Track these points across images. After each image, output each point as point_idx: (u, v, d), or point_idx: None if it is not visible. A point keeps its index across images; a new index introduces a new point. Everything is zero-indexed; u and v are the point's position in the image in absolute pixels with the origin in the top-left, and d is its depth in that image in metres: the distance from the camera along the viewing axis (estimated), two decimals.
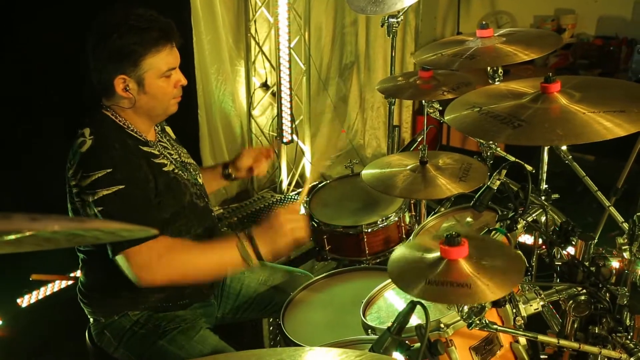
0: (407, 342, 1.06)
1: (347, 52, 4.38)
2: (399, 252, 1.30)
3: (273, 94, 3.85)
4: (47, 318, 2.99)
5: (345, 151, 4.55)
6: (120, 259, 1.66)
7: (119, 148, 1.69)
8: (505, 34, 1.93)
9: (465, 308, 1.18)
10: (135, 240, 1.63)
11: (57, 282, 3.09)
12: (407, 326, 1.16)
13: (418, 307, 1.17)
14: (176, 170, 1.86)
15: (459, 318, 1.25)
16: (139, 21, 1.68)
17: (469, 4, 4.68)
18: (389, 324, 1.10)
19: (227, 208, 3.29)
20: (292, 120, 3.79)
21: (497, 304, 1.30)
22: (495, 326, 1.23)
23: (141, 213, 1.68)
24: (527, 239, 2.86)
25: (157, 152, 1.83)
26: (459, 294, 1.10)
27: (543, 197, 2.08)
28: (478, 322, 1.19)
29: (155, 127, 1.92)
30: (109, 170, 1.64)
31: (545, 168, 2.05)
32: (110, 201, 1.63)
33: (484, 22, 1.92)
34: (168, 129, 2.06)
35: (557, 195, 2.10)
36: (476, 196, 1.65)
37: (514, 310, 1.38)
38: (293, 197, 3.16)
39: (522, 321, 1.38)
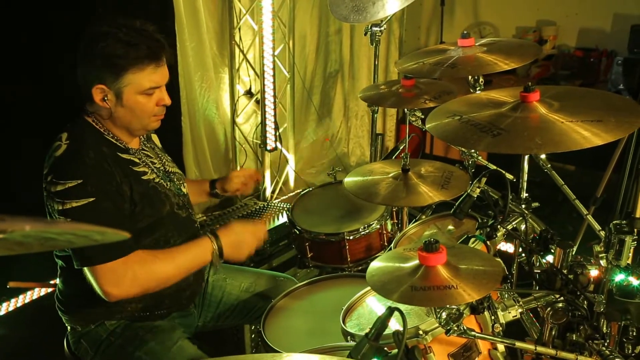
0: (385, 348, 1.06)
1: (332, 61, 4.40)
2: (377, 262, 1.31)
3: (257, 101, 3.85)
4: (25, 326, 2.95)
5: (329, 159, 4.56)
6: (89, 272, 1.65)
7: (93, 157, 1.67)
8: (486, 44, 1.95)
9: (444, 314, 1.18)
10: (107, 255, 1.62)
11: (36, 290, 3.05)
12: (386, 332, 1.16)
13: (398, 313, 1.17)
14: (157, 180, 1.84)
15: (437, 325, 1.26)
16: (129, 34, 1.66)
17: (453, 15, 4.73)
18: (367, 331, 1.10)
19: (210, 215, 3.28)
20: (276, 128, 3.79)
21: (475, 310, 1.30)
22: (473, 333, 1.24)
23: (109, 227, 1.66)
24: (508, 247, 2.88)
25: (137, 160, 1.81)
26: (438, 297, 1.10)
27: (523, 206, 2.10)
28: (456, 328, 1.19)
29: (140, 137, 1.91)
30: (79, 182, 1.62)
31: (525, 177, 2.07)
32: (79, 213, 1.61)
33: (465, 32, 1.94)
34: (154, 137, 2.05)
35: (537, 204, 2.12)
36: (456, 204, 1.66)
37: (493, 317, 1.39)
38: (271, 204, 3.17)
39: (501, 328, 1.39)
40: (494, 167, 2.41)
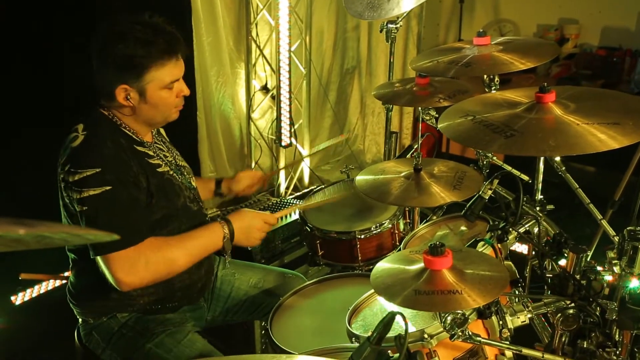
0: (388, 352, 1.05)
1: (349, 57, 4.38)
2: (382, 264, 1.29)
3: (273, 97, 3.84)
4: (41, 316, 2.99)
5: (345, 156, 4.54)
6: (102, 260, 1.66)
7: (111, 147, 1.69)
8: (502, 42, 1.92)
9: (449, 319, 1.17)
10: (121, 243, 1.63)
11: (52, 280, 3.08)
12: (391, 335, 1.14)
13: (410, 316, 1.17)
14: (171, 172, 1.86)
15: (442, 329, 1.24)
16: (145, 32, 1.67)
17: (473, 12, 4.68)
18: (370, 334, 1.08)
19: (224, 210, 3.29)
20: (291, 124, 3.78)
21: (482, 315, 1.28)
22: (478, 338, 1.22)
23: (125, 215, 1.67)
24: (523, 248, 2.83)
25: (152, 153, 1.82)
26: (441, 302, 1.08)
27: (538, 208, 2.07)
28: (460, 333, 1.17)
29: (152, 130, 1.91)
30: (98, 170, 1.63)
31: (540, 178, 2.04)
32: (96, 201, 1.63)
33: (481, 30, 1.91)
34: (162, 131, 2.05)
35: (552, 206, 2.08)
36: (467, 205, 1.63)
37: (501, 322, 1.36)
38: (288, 202, 3.20)
39: (509, 333, 1.37)
40: (509, 168, 2.37)
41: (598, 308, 1.47)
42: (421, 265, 1.20)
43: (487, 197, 1.60)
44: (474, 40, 1.91)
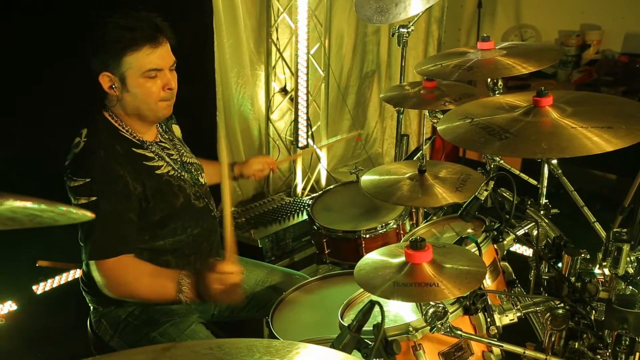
0: (366, 340, 1.09)
1: (369, 61, 4.41)
2: (368, 257, 1.33)
3: (291, 99, 3.90)
4: (61, 305, 3.09)
5: (362, 159, 4.58)
6: (94, 265, 1.76)
7: (104, 156, 1.75)
8: (506, 47, 1.94)
9: (430, 311, 1.20)
10: (99, 253, 1.73)
11: (72, 271, 3.19)
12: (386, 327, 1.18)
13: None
14: (171, 172, 1.90)
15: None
16: (127, 20, 1.73)
17: (494, 17, 4.67)
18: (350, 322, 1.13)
19: (238, 209, 3.36)
20: (309, 126, 3.84)
21: (468, 311, 1.31)
22: (459, 332, 1.25)
23: (109, 226, 1.74)
24: (530, 252, 2.83)
25: (151, 155, 1.87)
26: (418, 293, 1.13)
27: (542, 212, 2.08)
28: (440, 326, 1.20)
29: (158, 127, 1.98)
30: (88, 180, 1.71)
31: (545, 183, 2.05)
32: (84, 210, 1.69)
33: (485, 35, 1.94)
34: (175, 128, 2.11)
35: (556, 210, 2.10)
36: (463, 206, 1.66)
37: (489, 320, 1.39)
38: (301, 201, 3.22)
39: (497, 331, 1.39)
40: (517, 172, 2.39)
41: (593, 311, 1.48)
42: (403, 259, 1.24)
43: (482, 198, 1.63)
44: (478, 45, 1.94)
